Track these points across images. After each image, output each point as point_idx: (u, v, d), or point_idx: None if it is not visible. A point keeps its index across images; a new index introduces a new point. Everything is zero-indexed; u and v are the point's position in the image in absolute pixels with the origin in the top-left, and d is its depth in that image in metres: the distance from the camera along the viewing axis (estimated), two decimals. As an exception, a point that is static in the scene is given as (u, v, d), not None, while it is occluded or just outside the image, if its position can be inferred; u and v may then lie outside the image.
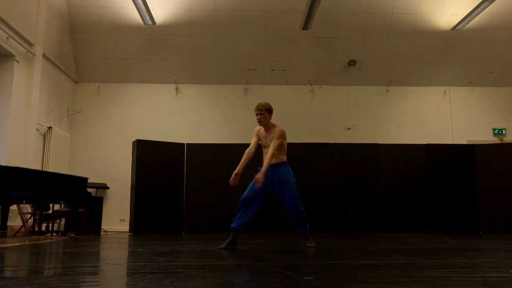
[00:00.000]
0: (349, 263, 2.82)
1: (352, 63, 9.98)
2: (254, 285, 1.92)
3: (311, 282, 1.96)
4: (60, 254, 3.93)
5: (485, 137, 10.06)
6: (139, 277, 2.14)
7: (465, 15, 9.04)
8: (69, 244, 5.06)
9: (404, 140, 9.26)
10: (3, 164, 6.35)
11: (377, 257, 3.20)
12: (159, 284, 1.90)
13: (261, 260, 3.12)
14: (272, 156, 4.09)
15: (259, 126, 4.34)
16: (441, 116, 10.28)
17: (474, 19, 9.14)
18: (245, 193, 4.12)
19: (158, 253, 3.59)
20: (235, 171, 4.16)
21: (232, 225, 4.09)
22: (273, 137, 4.16)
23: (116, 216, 9.28)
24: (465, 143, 9.63)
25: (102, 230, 8.38)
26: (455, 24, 9.38)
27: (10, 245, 4.81)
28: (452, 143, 9.80)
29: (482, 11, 8.73)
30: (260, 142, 4.35)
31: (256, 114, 4.26)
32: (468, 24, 9.33)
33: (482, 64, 10.16)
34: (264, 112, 4.23)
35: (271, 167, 4.12)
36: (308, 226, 4.24)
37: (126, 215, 8.58)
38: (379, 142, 8.81)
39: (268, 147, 4.16)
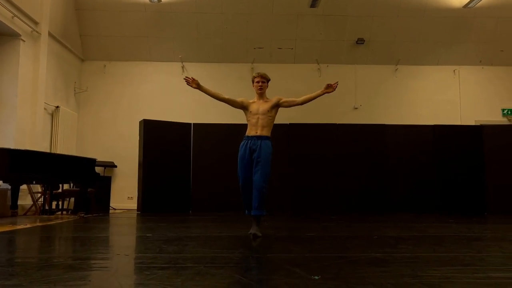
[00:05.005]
0: (355, 256, 2.86)
1: (360, 41, 9.82)
2: (264, 285, 1.97)
3: (318, 281, 2.01)
4: (70, 239, 4.02)
5: (494, 117, 9.97)
6: (150, 274, 2.19)
7: (478, -8, 8.82)
8: (79, 226, 5.16)
9: (412, 120, 9.22)
10: (12, 146, 6.43)
11: (383, 248, 3.24)
12: (170, 284, 1.95)
13: (269, 251, 3.18)
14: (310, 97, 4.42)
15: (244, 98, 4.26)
16: (450, 95, 10.17)
17: (487, -4, 8.91)
18: (240, 178, 4.04)
19: (167, 239, 3.65)
20: (197, 81, 4.14)
21: (247, 213, 4.13)
22: (269, 105, 4.13)
23: (124, 194, 9.42)
24: (473, 123, 9.57)
25: (110, 208, 8.52)
26: (467, 1, 9.15)
27: (21, 227, 4.91)
28: (460, 123, 9.72)
29: (496, -12, 8.50)
30: (245, 110, 4.21)
31: (258, 82, 4.21)
32: (481, 1, 9.09)
33: (494, 43, 9.96)
34: (265, 81, 4.26)
35: (256, 138, 4.03)
36: (265, 212, 4.01)
37: (134, 193, 8.72)
38: (386, 123, 8.78)
39: (260, 114, 4.09)
